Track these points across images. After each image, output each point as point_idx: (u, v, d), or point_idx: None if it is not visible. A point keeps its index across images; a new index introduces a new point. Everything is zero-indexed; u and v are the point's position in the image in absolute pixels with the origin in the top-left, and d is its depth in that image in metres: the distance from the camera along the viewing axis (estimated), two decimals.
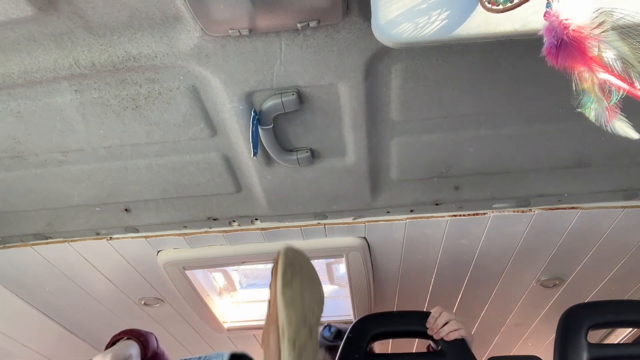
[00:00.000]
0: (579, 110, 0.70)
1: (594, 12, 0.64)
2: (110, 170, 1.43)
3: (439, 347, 1.53)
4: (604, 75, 0.63)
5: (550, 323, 2.48)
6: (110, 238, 1.78)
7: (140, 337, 1.44)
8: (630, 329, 2.47)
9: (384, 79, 1.15)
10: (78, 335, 2.47)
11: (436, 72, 1.12)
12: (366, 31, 1.00)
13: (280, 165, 1.41)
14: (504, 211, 1.68)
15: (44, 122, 1.24)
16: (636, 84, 0.63)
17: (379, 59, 1.09)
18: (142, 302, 2.25)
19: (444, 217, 1.70)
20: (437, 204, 1.64)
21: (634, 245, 1.86)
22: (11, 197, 1.55)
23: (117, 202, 1.59)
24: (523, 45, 1.04)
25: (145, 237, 1.77)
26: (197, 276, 2.14)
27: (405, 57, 1.09)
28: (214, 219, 1.68)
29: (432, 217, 1.70)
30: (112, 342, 1.45)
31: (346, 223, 1.73)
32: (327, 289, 2.54)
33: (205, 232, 1.75)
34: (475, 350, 1.53)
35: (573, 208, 1.66)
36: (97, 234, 1.76)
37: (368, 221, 1.72)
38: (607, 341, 2.63)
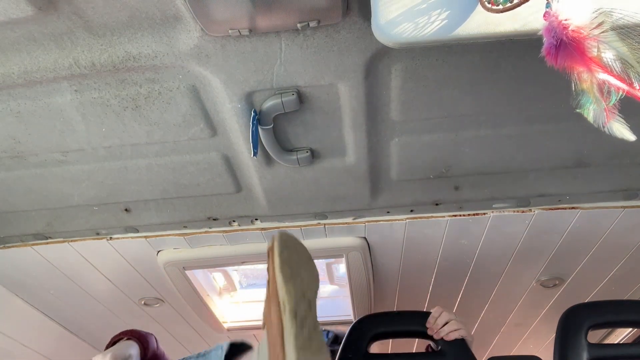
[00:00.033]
0: (578, 110, 0.70)
1: (594, 12, 0.64)
2: (110, 170, 1.43)
3: (439, 347, 1.53)
4: (603, 76, 0.63)
5: (550, 323, 2.48)
6: (110, 238, 1.78)
7: (140, 337, 1.45)
8: (630, 329, 2.47)
9: (384, 79, 1.15)
10: (78, 335, 2.47)
11: (436, 72, 1.12)
12: (366, 31, 1.00)
13: (280, 165, 1.41)
14: (504, 211, 1.68)
15: (44, 122, 1.24)
16: (635, 84, 0.63)
17: (379, 59, 1.09)
18: (142, 302, 2.25)
19: (444, 217, 1.70)
20: (437, 204, 1.64)
21: (634, 245, 1.86)
22: (11, 197, 1.55)
23: (117, 202, 1.59)
24: (523, 45, 1.04)
25: (145, 237, 1.77)
26: (197, 276, 2.14)
27: (405, 57, 1.09)
28: (214, 219, 1.68)
29: (432, 217, 1.70)
30: (112, 342, 1.45)
31: (346, 223, 1.73)
32: (327, 289, 2.54)
33: (205, 232, 1.76)
34: (475, 350, 1.53)
35: (573, 208, 1.66)
36: (97, 234, 1.76)
37: (368, 221, 1.72)
38: (607, 341, 2.63)
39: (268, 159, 1.38)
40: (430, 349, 1.60)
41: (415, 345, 2.65)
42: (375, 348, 1.68)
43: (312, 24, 0.95)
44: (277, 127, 1.28)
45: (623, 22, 0.63)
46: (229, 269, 2.40)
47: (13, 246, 1.81)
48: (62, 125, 1.25)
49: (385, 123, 1.29)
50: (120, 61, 1.07)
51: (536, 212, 1.67)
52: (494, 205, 1.65)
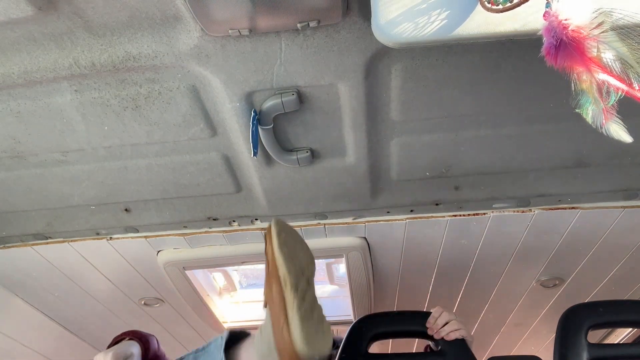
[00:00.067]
0: (577, 110, 0.70)
1: (594, 12, 0.64)
2: (110, 170, 1.43)
3: (439, 347, 1.53)
4: (602, 76, 0.63)
5: (550, 323, 2.48)
6: (110, 238, 1.78)
7: (141, 338, 1.45)
8: (630, 329, 2.47)
9: (384, 79, 1.15)
10: (78, 335, 2.47)
11: (436, 72, 1.12)
12: (366, 31, 1.00)
13: (280, 165, 1.41)
14: (504, 211, 1.68)
15: (44, 122, 1.24)
16: (635, 84, 0.63)
17: (379, 59, 1.09)
18: (142, 302, 2.25)
19: (444, 217, 1.70)
20: (437, 204, 1.64)
21: (634, 245, 1.86)
22: (11, 197, 1.55)
23: (117, 202, 1.59)
24: (523, 45, 1.04)
25: (145, 237, 1.77)
26: (197, 276, 2.14)
27: (405, 57, 1.09)
28: (214, 219, 1.68)
29: (432, 217, 1.70)
30: (114, 342, 1.46)
31: (346, 223, 1.73)
32: (327, 289, 2.54)
33: (205, 232, 1.76)
34: (475, 350, 1.53)
35: (573, 208, 1.66)
36: (97, 234, 1.76)
37: (368, 221, 1.72)
38: (607, 341, 2.63)
39: (268, 159, 1.38)
40: (429, 350, 1.60)
41: (415, 345, 2.65)
42: (375, 348, 1.68)
43: (312, 24, 0.95)
44: (277, 127, 1.28)
45: (623, 22, 0.63)
46: (229, 269, 2.40)
47: (13, 246, 1.81)
48: (62, 125, 1.25)
49: (385, 123, 1.29)
50: (120, 61, 1.07)
51: (536, 212, 1.67)
52: (494, 205, 1.65)
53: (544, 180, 1.54)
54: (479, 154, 1.41)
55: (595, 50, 0.63)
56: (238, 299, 2.57)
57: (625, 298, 2.26)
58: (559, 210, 1.66)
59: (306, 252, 1.26)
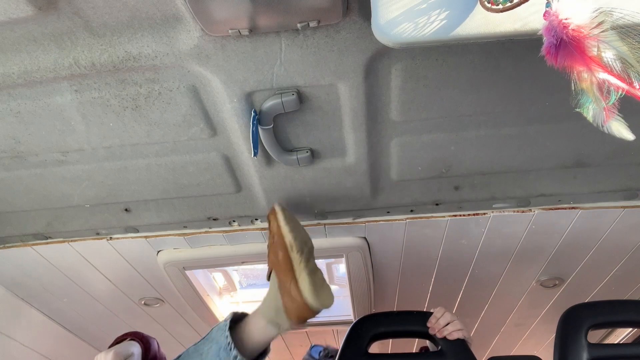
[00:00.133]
0: (577, 110, 0.70)
1: (594, 11, 0.64)
2: (110, 170, 1.43)
3: (439, 347, 1.53)
4: (603, 75, 0.64)
5: (550, 323, 2.48)
6: (110, 238, 1.78)
7: (142, 339, 1.47)
8: (630, 329, 2.47)
9: (384, 79, 1.15)
10: (78, 335, 2.47)
11: (436, 72, 1.12)
12: (366, 31, 1.00)
13: (280, 165, 1.41)
14: (504, 211, 1.68)
15: (44, 122, 1.24)
16: (635, 83, 0.63)
17: (379, 59, 1.09)
18: (142, 302, 2.25)
19: (444, 217, 1.70)
20: (437, 204, 1.64)
21: (634, 245, 1.86)
22: (11, 197, 1.55)
23: (117, 202, 1.59)
24: (523, 45, 1.04)
25: (145, 237, 1.77)
26: (197, 276, 2.14)
27: (405, 57, 1.09)
28: (214, 219, 1.68)
29: (432, 217, 1.70)
30: (116, 343, 1.47)
31: (346, 223, 1.73)
32: None
33: (205, 232, 1.76)
34: (475, 350, 1.53)
35: (573, 208, 1.66)
36: (97, 234, 1.76)
37: (368, 221, 1.72)
38: (607, 341, 2.63)
39: (268, 159, 1.39)
40: (423, 351, 1.60)
41: (415, 345, 2.66)
42: (375, 348, 1.68)
43: (312, 24, 0.95)
44: (277, 127, 1.28)
45: (623, 22, 0.63)
46: (229, 269, 2.40)
47: (13, 246, 1.81)
48: (62, 125, 1.25)
49: (385, 123, 1.29)
50: (120, 61, 1.07)
51: (536, 212, 1.67)
52: (494, 205, 1.65)
53: (544, 180, 1.54)
54: (479, 154, 1.42)
55: (596, 49, 0.63)
56: (238, 299, 2.57)
57: (625, 298, 2.26)
58: (559, 210, 1.66)
59: (305, 232, 1.41)
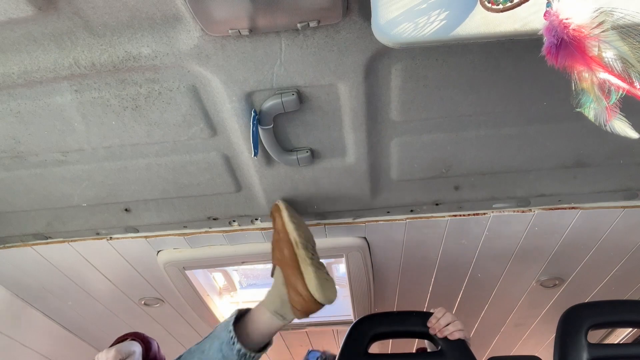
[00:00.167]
0: (578, 110, 0.70)
1: (594, 11, 0.64)
2: (110, 170, 1.43)
3: (439, 347, 1.53)
4: (603, 75, 0.63)
5: (550, 323, 2.48)
6: (110, 238, 1.78)
7: (143, 339, 1.48)
8: (630, 329, 2.47)
9: (384, 79, 1.15)
10: (78, 335, 2.47)
11: (436, 72, 1.12)
12: (366, 31, 1.00)
13: (280, 165, 1.41)
14: (504, 211, 1.68)
15: (44, 122, 1.24)
16: (636, 83, 0.63)
17: (379, 59, 1.09)
18: (142, 302, 2.25)
19: (444, 217, 1.70)
20: (437, 204, 1.64)
21: (634, 245, 1.86)
22: (11, 197, 1.55)
23: (117, 202, 1.59)
24: (523, 45, 1.04)
25: (145, 237, 1.77)
26: (197, 276, 2.14)
27: (405, 57, 1.09)
28: (214, 219, 1.68)
29: (432, 217, 1.70)
30: (116, 343, 1.47)
31: (346, 223, 1.73)
32: None
33: (205, 232, 1.75)
34: (475, 350, 1.53)
35: (573, 208, 1.66)
36: (97, 234, 1.76)
37: (368, 221, 1.72)
38: (607, 341, 2.63)
39: (268, 159, 1.38)
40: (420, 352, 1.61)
41: (415, 345, 2.65)
42: (375, 348, 1.68)
43: (312, 24, 0.95)
44: (277, 127, 1.28)
45: (624, 22, 0.63)
46: (229, 269, 2.40)
47: (13, 246, 1.81)
48: (62, 125, 1.25)
49: (385, 123, 1.29)
50: (120, 61, 1.06)
51: (536, 212, 1.67)
52: (494, 205, 1.65)
53: (544, 180, 1.54)
54: (479, 154, 1.42)
55: (596, 49, 0.63)
56: (238, 299, 2.57)
57: (625, 298, 2.26)
58: (559, 210, 1.66)
59: (307, 228, 1.45)
